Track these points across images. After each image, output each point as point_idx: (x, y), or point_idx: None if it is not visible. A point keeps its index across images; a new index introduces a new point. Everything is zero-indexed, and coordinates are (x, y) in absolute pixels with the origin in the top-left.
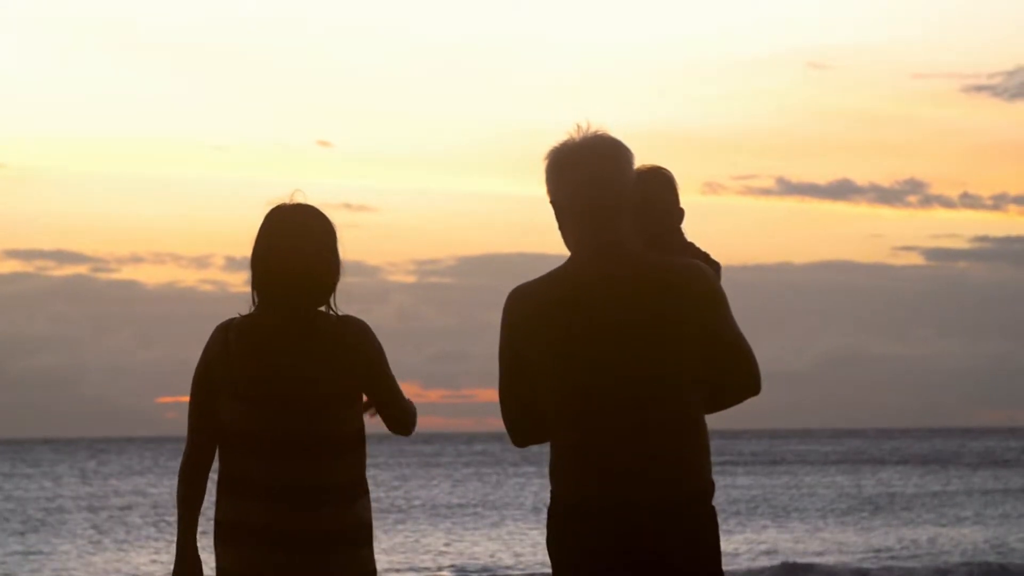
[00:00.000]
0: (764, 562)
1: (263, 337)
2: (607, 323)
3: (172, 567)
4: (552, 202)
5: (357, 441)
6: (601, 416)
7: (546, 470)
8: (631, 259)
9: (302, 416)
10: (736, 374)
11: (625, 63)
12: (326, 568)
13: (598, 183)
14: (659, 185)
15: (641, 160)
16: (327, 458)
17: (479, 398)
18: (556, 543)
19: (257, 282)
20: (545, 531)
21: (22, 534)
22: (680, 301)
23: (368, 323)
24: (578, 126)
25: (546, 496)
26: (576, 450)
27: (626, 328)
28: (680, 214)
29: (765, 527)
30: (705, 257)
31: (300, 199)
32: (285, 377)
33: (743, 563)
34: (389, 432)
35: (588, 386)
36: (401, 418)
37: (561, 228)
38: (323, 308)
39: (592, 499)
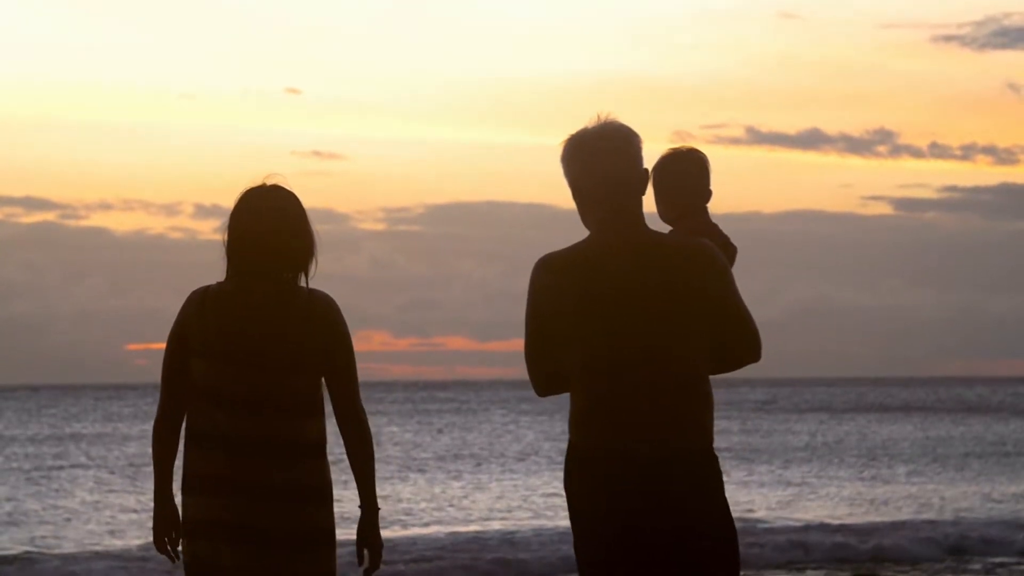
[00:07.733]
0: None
1: (237, 301)
2: (624, 287)
3: (152, 516)
4: (571, 184)
5: (318, 407)
6: (620, 372)
7: (519, 418)
8: (646, 234)
9: (268, 375)
10: (739, 341)
11: (595, 12)
12: (289, 518)
13: (614, 166)
14: (692, 166)
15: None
16: (290, 416)
17: (448, 346)
18: (574, 490)
19: (232, 254)
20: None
21: None
22: (690, 272)
23: (339, 272)
24: (597, 115)
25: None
26: (597, 404)
27: (642, 292)
28: (708, 195)
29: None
30: (725, 240)
31: (275, 182)
32: (255, 337)
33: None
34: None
35: (607, 345)
36: (354, 410)
37: (580, 208)
38: (296, 282)
39: (612, 449)
